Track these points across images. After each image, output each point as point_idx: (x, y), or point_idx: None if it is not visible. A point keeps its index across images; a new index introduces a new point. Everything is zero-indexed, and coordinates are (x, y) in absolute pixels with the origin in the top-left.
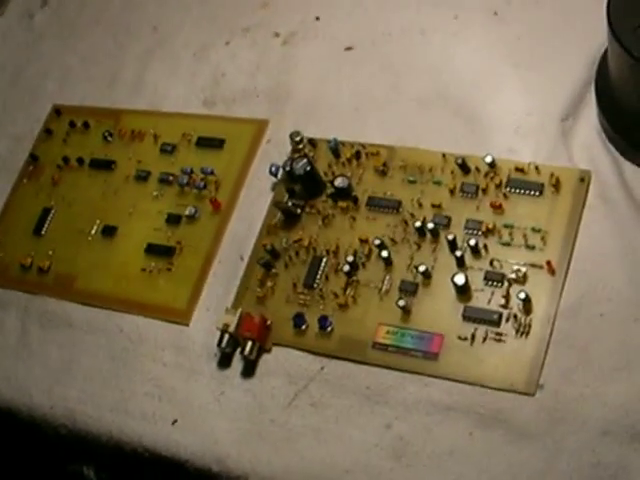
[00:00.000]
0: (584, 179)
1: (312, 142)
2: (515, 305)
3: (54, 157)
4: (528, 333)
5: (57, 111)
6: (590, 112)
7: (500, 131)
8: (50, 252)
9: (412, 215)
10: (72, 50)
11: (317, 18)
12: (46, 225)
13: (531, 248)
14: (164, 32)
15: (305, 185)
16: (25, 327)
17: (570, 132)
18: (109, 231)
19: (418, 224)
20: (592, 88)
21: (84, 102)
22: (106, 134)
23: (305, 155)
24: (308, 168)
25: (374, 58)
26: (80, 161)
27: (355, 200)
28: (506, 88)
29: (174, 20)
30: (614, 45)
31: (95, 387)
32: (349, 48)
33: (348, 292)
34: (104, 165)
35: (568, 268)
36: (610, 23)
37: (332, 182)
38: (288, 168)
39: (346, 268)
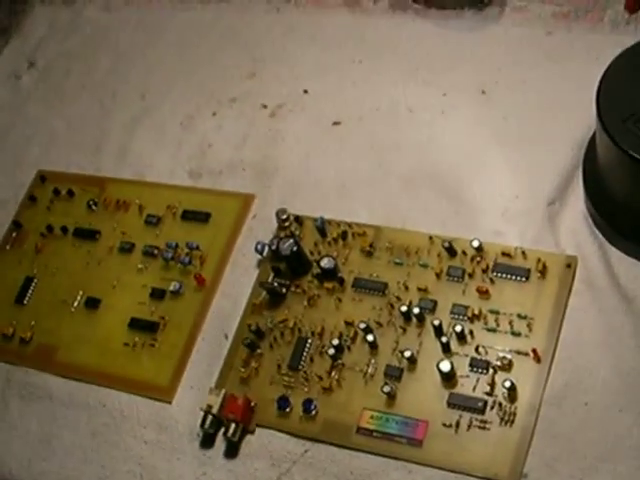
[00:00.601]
0: (570, 265)
1: (298, 220)
2: (500, 393)
3: (38, 225)
4: (513, 421)
5: (42, 177)
6: (577, 197)
7: (487, 214)
8: (32, 322)
9: (398, 298)
10: (58, 114)
11: (305, 91)
12: (28, 294)
13: (517, 335)
14: (151, 100)
15: (291, 265)
16: (5, 398)
17: (557, 217)
18: (92, 303)
19: (404, 308)
20: (579, 172)
21: (69, 168)
22: (91, 203)
23: (292, 234)
24: (294, 248)
25: (361, 134)
26: (64, 230)
27: (341, 281)
28: (493, 169)
29: (161, 88)
30: (602, 135)
31: (75, 463)
32: (337, 123)
33: (333, 375)
34: (88, 235)
35: (553, 356)
36: (599, 113)
37: (318, 262)
38: (274, 247)
39: (331, 351)
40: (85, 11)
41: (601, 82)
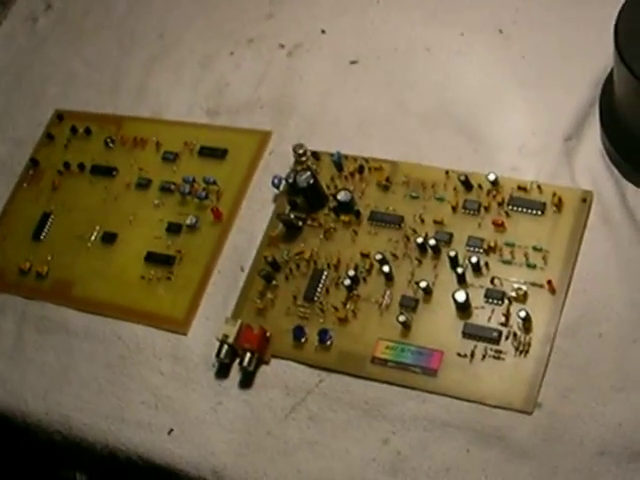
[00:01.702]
0: (586, 200)
1: (315, 155)
2: (515, 323)
3: (55, 162)
4: (527, 352)
5: (59, 116)
6: (594, 133)
7: (503, 150)
8: (49, 257)
9: (414, 231)
10: (76, 55)
11: (323, 31)
12: (45, 230)
13: (532, 267)
14: (169, 40)
15: (308, 198)
16: (21, 332)
17: (573, 152)
18: (109, 238)
19: (420, 240)
20: (596, 109)
21: (87, 107)
22: (108, 140)
23: (308, 168)
24: (311, 181)
25: (379, 73)
26: (81, 167)
27: (357, 214)
28: (510, 107)
29: (179, 28)
30: (620, 68)
31: (91, 394)
32: (354, 62)
33: (348, 306)
34: (105, 171)
35: (568, 288)
36: (617, 46)
37: (335, 196)
38: (291, 180)
39: (347, 282)
40: None
41: (619, 16)
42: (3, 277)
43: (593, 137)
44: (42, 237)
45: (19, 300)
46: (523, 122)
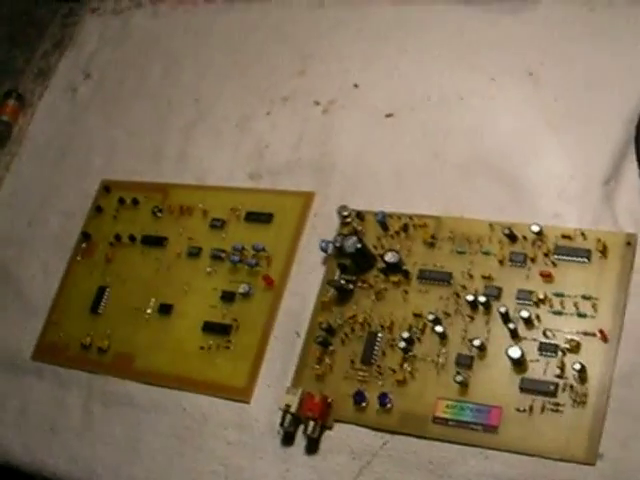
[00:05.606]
0: (630, 243)
1: (359, 215)
2: (570, 374)
3: (106, 234)
4: (585, 402)
5: (106, 187)
6: (632, 173)
7: (543, 196)
8: (108, 331)
9: (463, 287)
10: (116, 124)
11: (355, 85)
12: (102, 303)
13: (583, 316)
14: (205, 104)
15: (356, 261)
16: (87, 406)
17: (613, 195)
18: (165, 309)
19: (470, 297)
20: (632, 147)
21: (131, 176)
22: (155, 210)
23: (355, 231)
24: (358, 245)
25: (414, 124)
26: (132, 238)
27: (406, 274)
28: (546, 151)
29: (214, 91)
30: None
31: (161, 466)
32: (389, 115)
33: (405, 367)
34: (155, 242)
35: (620, 334)
36: None
37: (382, 257)
38: (338, 244)
39: (402, 344)
40: (134, 19)
41: None
42: (66, 352)
43: (632, 177)
44: (100, 311)
45: (83, 375)
46: (561, 166)
